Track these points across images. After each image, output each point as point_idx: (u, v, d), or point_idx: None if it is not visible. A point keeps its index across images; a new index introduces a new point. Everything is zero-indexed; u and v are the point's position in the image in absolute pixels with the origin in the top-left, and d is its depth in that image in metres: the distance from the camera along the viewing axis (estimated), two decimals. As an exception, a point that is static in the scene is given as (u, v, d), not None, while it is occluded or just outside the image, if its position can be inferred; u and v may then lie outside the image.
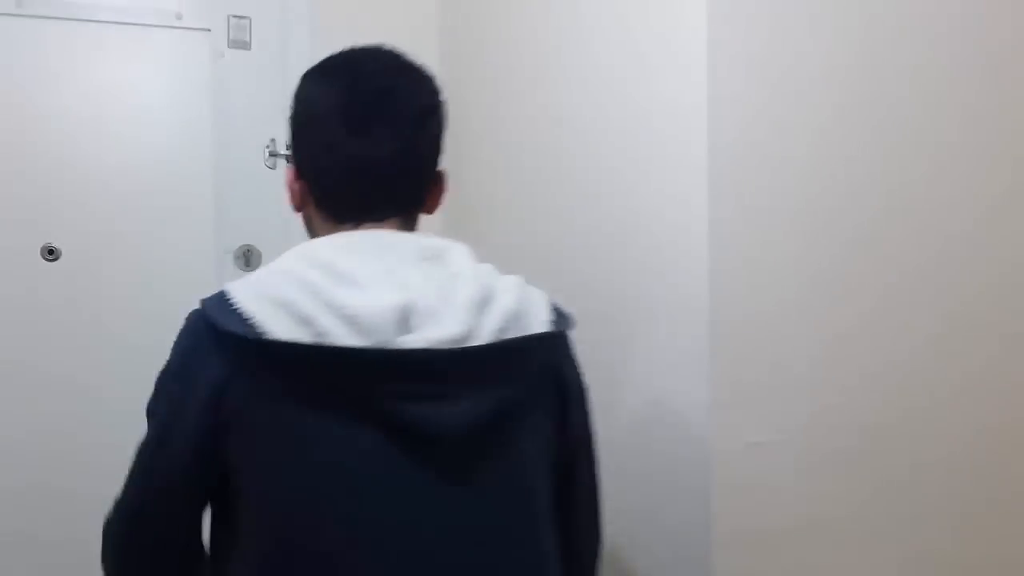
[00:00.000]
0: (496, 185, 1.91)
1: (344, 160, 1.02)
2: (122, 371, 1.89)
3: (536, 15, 1.71)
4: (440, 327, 0.93)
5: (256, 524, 0.95)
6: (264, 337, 0.90)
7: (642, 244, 1.41)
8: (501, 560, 0.98)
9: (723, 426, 1.28)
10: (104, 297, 2.00)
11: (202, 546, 1.04)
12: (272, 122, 1.94)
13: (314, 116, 1.05)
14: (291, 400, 0.92)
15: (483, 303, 0.96)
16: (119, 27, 2.00)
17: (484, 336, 0.95)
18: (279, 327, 0.90)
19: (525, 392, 1.00)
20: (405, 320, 0.92)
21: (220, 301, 0.94)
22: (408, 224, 1.07)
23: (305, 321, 0.90)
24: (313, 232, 1.08)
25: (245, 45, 2.10)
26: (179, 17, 2.05)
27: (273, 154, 2.01)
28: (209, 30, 2.07)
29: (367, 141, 1.02)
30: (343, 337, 0.90)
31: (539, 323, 1.00)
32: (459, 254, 1.01)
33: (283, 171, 1.11)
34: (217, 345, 0.93)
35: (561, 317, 1.05)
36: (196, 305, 0.98)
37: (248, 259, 2.07)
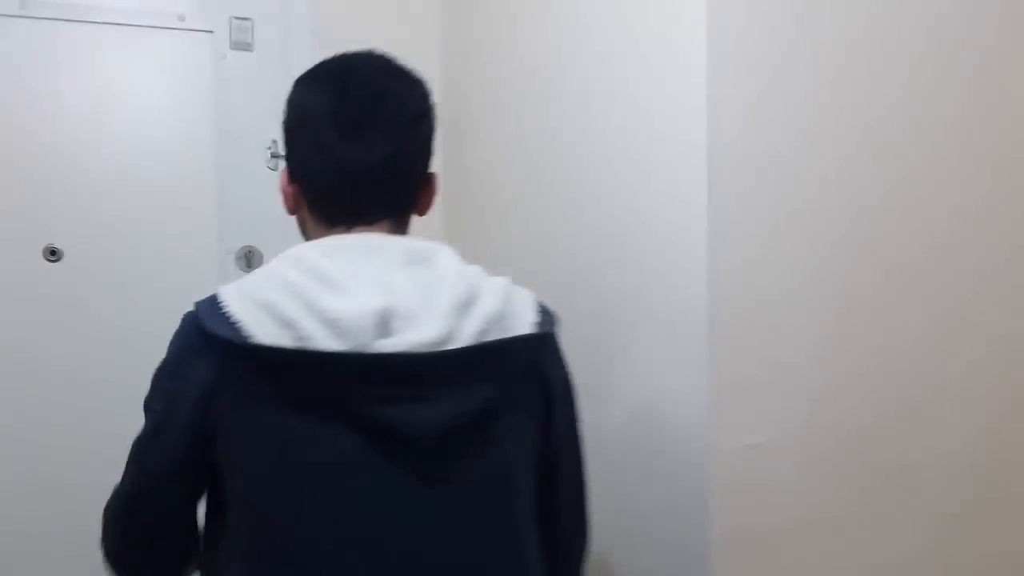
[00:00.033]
0: (497, 185, 1.91)
1: (336, 164, 1.04)
2: (124, 371, 1.89)
3: (537, 16, 1.71)
4: (419, 331, 0.95)
5: (243, 522, 0.98)
6: (249, 341, 0.93)
7: (641, 244, 1.41)
8: (481, 560, 0.99)
9: (722, 427, 1.28)
10: (106, 298, 2.01)
11: (197, 535, 1.07)
12: (274, 123, 1.89)
13: (307, 120, 1.06)
14: (275, 403, 0.95)
15: (465, 305, 0.98)
16: (122, 28, 2.01)
17: (464, 338, 0.96)
18: (264, 331, 0.93)
19: (506, 393, 1.01)
20: (385, 324, 0.94)
21: (211, 304, 0.97)
22: (400, 226, 1.09)
23: (288, 325, 0.93)
24: (307, 235, 1.10)
25: (247, 47, 2.10)
26: (181, 19, 2.06)
27: (275, 155, 2.01)
28: (211, 32, 2.07)
29: (359, 145, 1.03)
30: (324, 341, 0.93)
31: (523, 324, 1.02)
32: (446, 256, 1.03)
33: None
34: (207, 348, 0.96)
35: (547, 318, 1.06)
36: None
37: (249, 260, 2.07)
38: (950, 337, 1.43)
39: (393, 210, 1.08)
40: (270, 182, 1.96)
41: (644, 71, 1.39)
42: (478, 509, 0.99)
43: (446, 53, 2.16)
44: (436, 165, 2.26)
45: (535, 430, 1.05)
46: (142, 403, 1.04)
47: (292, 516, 0.95)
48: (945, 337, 1.42)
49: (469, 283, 1.00)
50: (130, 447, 1.03)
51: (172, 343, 1.02)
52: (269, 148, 2.02)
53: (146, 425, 1.02)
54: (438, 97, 2.22)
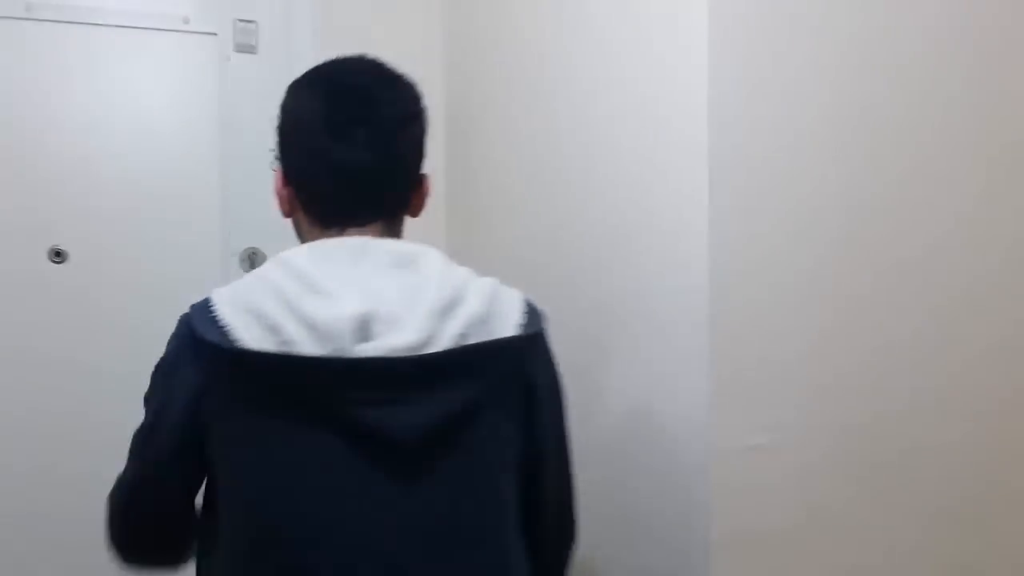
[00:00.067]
0: (498, 185, 1.91)
1: (328, 165, 1.06)
2: (127, 371, 1.89)
3: (539, 18, 1.72)
4: (398, 335, 0.97)
5: (231, 519, 1.01)
6: (236, 346, 0.96)
7: (642, 244, 1.41)
8: (461, 560, 1.01)
9: (722, 427, 1.28)
10: (110, 299, 2.02)
11: (195, 522, 1.10)
12: (278, 125, 1.95)
13: (298, 123, 1.09)
14: (260, 405, 0.98)
15: (447, 308, 1.00)
16: (126, 31, 2.02)
17: (444, 342, 0.98)
18: (250, 335, 0.96)
19: (487, 395, 1.02)
20: (365, 328, 0.96)
21: (203, 308, 1.01)
22: (392, 227, 1.11)
23: (273, 329, 0.96)
24: (302, 237, 1.12)
25: (251, 49, 2.11)
26: (186, 21, 2.07)
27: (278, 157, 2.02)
28: (216, 34, 2.08)
29: (350, 147, 1.05)
30: (307, 345, 0.95)
31: (507, 326, 1.03)
32: (432, 259, 1.04)
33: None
34: (197, 352, 0.99)
35: (534, 319, 1.07)
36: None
37: (253, 262, 2.08)
38: (950, 336, 1.43)
39: (385, 211, 1.09)
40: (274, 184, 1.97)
41: (646, 72, 1.40)
42: (458, 510, 1.01)
43: (448, 53, 2.17)
44: (439, 165, 2.26)
45: (518, 431, 1.06)
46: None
47: (276, 516, 0.98)
48: (945, 336, 1.43)
49: (454, 286, 1.01)
50: (131, 438, 1.08)
51: (168, 344, 1.05)
52: (273, 150, 2.02)
53: (144, 419, 1.06)
54: (441, 97, 2.25)
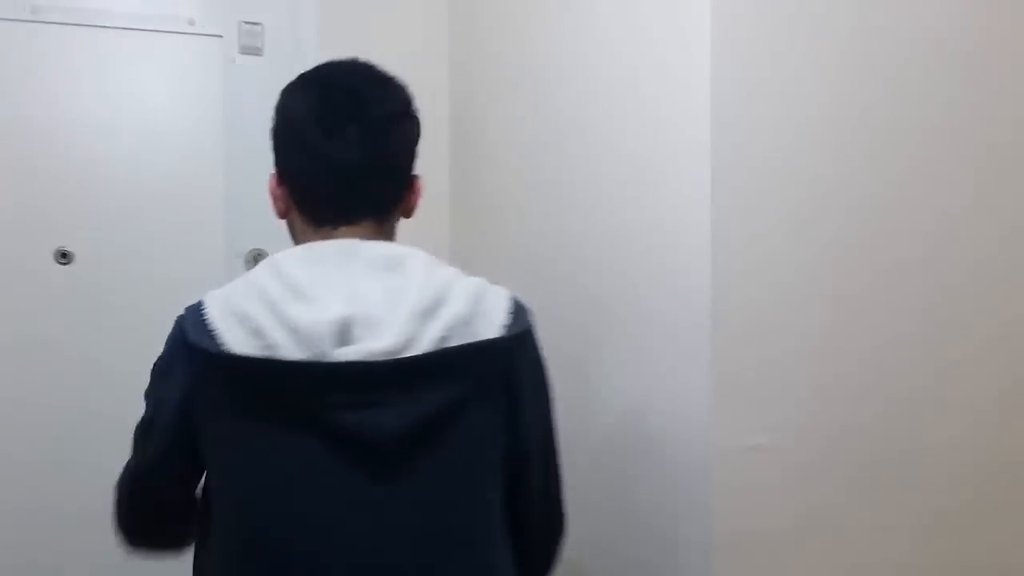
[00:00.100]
0: (502, 186, 1.92)
1: (320, 161, 1.08)
2: (133, 371, 1.90)
3: (542, 21, 1.72)
4: (377, 339, 0.99)
5: (222, 520, 1.05)
6: (222, 351, 0.99)
7: (644, 245, 1.41)
8: (442, 558, 1.02)
9: (723, 427, 1.28)
10: (116, 300, 2.02)
11: (195, 509, 1.13)
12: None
13: (291, 122, 1.11)
14: (246, 409, 1.01)
15: (429, 311, 1.01)
16: (132, 33, 2.02)
17: (424, 345, 1.00)
18: (236, 340, 0.99)
19: (468, 396, 1.03)
20: (345, 333, 0.99)
21: (195, 311, 1.05)
22: (384, 227, 1.12)
23: (257, 334, 0.99)
24: (295, 238, 1.15)
25: (257, 51, 2.12)
26: (192, 23, 2.07)
27: (284, 159, 2.03)
28: (221, 36, 2.09)
29: (341, 143, 1.07)
30: (289, 350, 0.98)
31: (490, 327, 1.04)
32: (418, 261, 1.06)
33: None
34: (187, 355, 1.03)
35: (520, 318, 1.08)
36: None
37: (258, 263, 2.08)
38: (950, 336, 1.43)
39: (376, 209, 1.11)
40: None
41: (648, 74, 1.40)
42: (438, 509, 1.02)
43: (452, 54, 2.17)
44: (442, 165, 2.27)
45: (502, 430, 1.07)
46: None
47: (263, 516, 1.01)
48: (945, 336, 1.43)
49: (437, 287, 1.03)
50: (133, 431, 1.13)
51: (166, 343, 1.08)
52: (278, 151, 2.03)
53: (144, 415, 1.11)
54: (445, 97, 2.26)
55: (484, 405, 1.05)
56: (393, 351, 0.99)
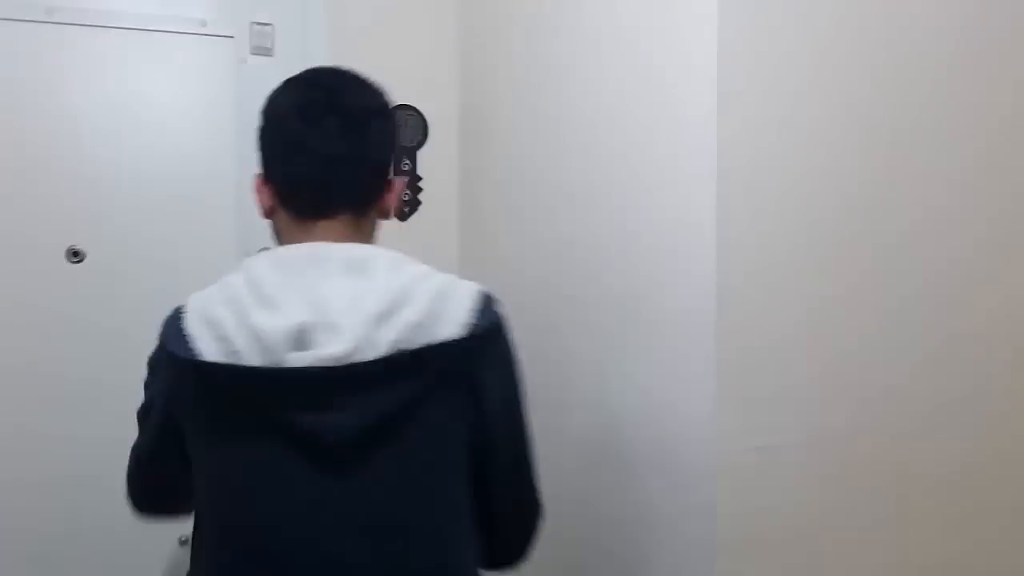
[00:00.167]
0: (511, 189, 1.92)
1: (300, 150, 1.14)
2: (142, 369, 1.92)
3: (552, 24, 1.73)
4: (332, 344, 1.04)
5: (204, 509, 1.14)
6: (192, 357, 1.06)
7: (650, 249, 1.42)
8: (398, 549, 1.07)
9: (729, 430, 1.29)
10: (127, 298, 2.03)
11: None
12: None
13: (275, 118, 1.18)
14: (214, 409, 1.09)
15: (385, 315, 1.05)
16: (144, 34, 2.04)
17: (379, 348, 1.04)
18: (205, 345, 1.06)
19: (423, 396, 1.07)
20: (301, 338, 1.04)
21: (175, 316, 1.13)
22: (361, 223, 1.17)
23: (224, 340, 1.05)
24: (278, 236, 1.19)
25: (268, 52, 2.13)
26: (203, 24, 2.09)
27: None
28: (232, 37, 2.10)
29: (322, 134, 1.13)
30: (252, 356, 1.04)
31: (452, 326, 1.07)
32: (383, 263, 1.10)
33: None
34: (166, 359, 1.12)
35: (485, 316, 1.11)
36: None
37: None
38: (956, 343, 1.43)
39: (353, 200, 1.16)
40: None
41: (655, 74, 1.41)
42: (396, 506, 1.07)
43: (463, 55, 2.18)
44: (451, 166, 2.27)
45: (466, 428, 1.11)
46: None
47: (232, 512, 1.09)
48: (950, 340, 1.43)
49: (396, 291, 1.06)
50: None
51: (158, 339, 1.16)
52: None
53: (143, 402, 1.21)
54: (454, 99, 2.26)
55: (443, 403, 1.09)
56: (345, 356, 1.03)
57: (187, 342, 1.07)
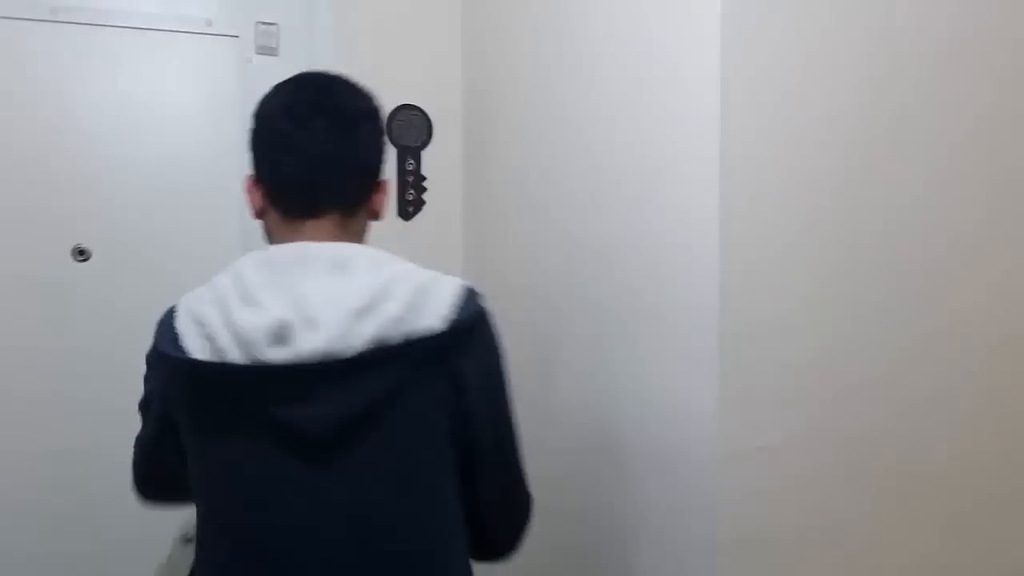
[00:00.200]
0: (515, 188, 1.92)
1: (289, 150, 1.16)
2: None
3: (556, 24, 1.73)
4: (311, 339, 1.06)
5: (200, 506, 1.18)
6: (181, 356, 1.10)
7: (653, 250, 1.42)
8: (380, 539, 1.10)
9: (731, 429, 1.29)
10: (133, 297, 2.04)
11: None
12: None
13: (265, 119, 1.20)
14: (202, 405, 1.13)
15: (364, 310, 1.07)
16: (150, 33, 2.04)
17: (357, 343, 1.07)
18: (193, 344, 1.10)
19: (401, 388, 1.09)
20: (281, 335, 1.07)
21: (168, 316, 1.17)
22: (349, 222, 1.20)
23: (210, 339, 1.09)
24: (269, 236, 1.22)
25: (273, 51, 2.13)
26: (208, 24, 2.09)
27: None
28: (237, 36, 2.10)
29: (311, 133, 1.16)
30: (234, 353, 1.07)
31: (431, 320, 1.10)
32: (364, 261, 1.12)
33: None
34: (159, 358, 1.17)
35: (466, 309, 1.13)
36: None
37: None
38: (957, 341, 1.43)
39: (341, 201, 1.19)
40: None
41: (658, 77, 1.41)
42: (378, 495, 1.10)
43: (468, 58, 2.18)
44: (457, 165, 2.27)
45: (444, 419, 1.13)
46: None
47: (223, 504, 1.14)
48: (952, 341, 1.43)
49: (378, 287, 1.09)
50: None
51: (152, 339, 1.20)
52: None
53: (144, 395, 1.25)
54: (459, 98, 2.26)
55: (424, 394, 1.11)
56: (324, 350, 1.06)
57: (176, 341, 1.11)
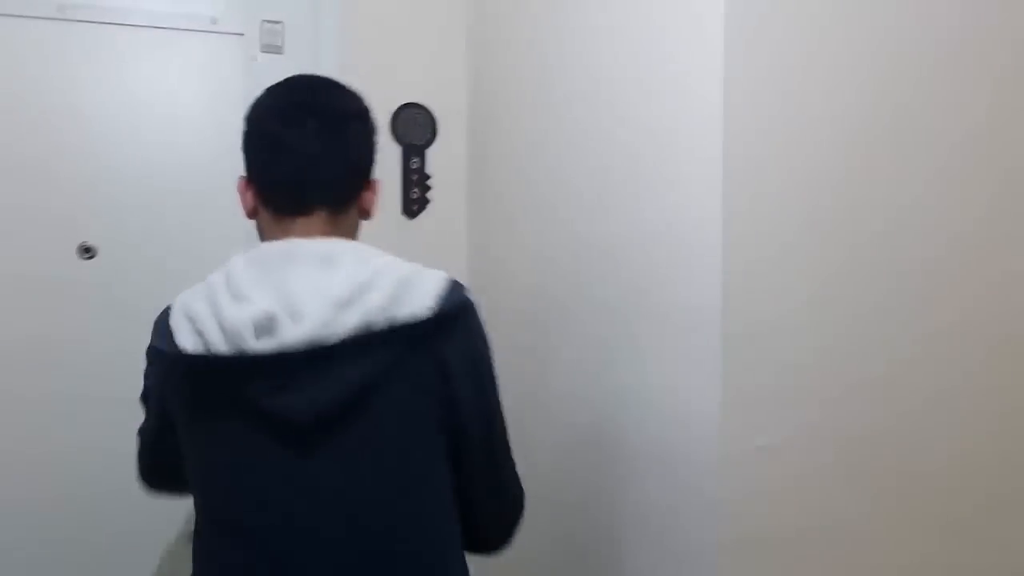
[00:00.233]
0: (519, 186, 1.93)
1: (280, 149, 1.19)
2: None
3: (562, 20, 1.73)
4: (294, 329, 1.09)
5: (196, 499, 1.21)
6: (174, 351, 1.13)
7: (656, 249, 1.42)
8: (365, 523, 1.12)
9: (733, 429, 1.29)
10: (138, 295, 2.04)
11: None
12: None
13: (256, 120, 1.23)
14: (194, 398, 1.16)
15: (347, 301, 1.09)
16: (155, 31, 2.05)
17: (340, 332, 1.09)
18: (185, 340, 1.13)
19: (385, 375, 1.11)
20: (266, 326, 1.09)
21: (164, 314, 1.20)
22: (339, 220, 1.22)
23: (200, 333, 1.12)
24: (262, 235, 1.25)
25: (278, 49, 2.14)
26: (214, 22, 2.10)
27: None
28: (242, 35, 2.11)
29: (299, 131, 1.19)
30: (221, 346, 1.10)
31: (415, 310, 1.11)
32: (350, 256, 1.15)
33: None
34: (154, 354, 1.22)
35: (451, 300, 1.15)
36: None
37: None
38: (957, 341, 1.43)
39: (329, 199, 1.21)
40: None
41: (661, 76, 1.41)
42: (361, 480, 1.12)
43: (472, 56, 2.18)
44: (461, 168, 2.28)
45: (430, 406, 1.15)
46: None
47: (214, 491, 1.17)
48: (952, 341, 1.43)
49: (363, 279, 1.11)
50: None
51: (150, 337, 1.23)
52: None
53: (144, 389, 1.28)
54: (464, 97, 2.27)
55: (408, 380, 1.13)
56: (307, 340, 1.08)
57: (170, 337, 1.14)
